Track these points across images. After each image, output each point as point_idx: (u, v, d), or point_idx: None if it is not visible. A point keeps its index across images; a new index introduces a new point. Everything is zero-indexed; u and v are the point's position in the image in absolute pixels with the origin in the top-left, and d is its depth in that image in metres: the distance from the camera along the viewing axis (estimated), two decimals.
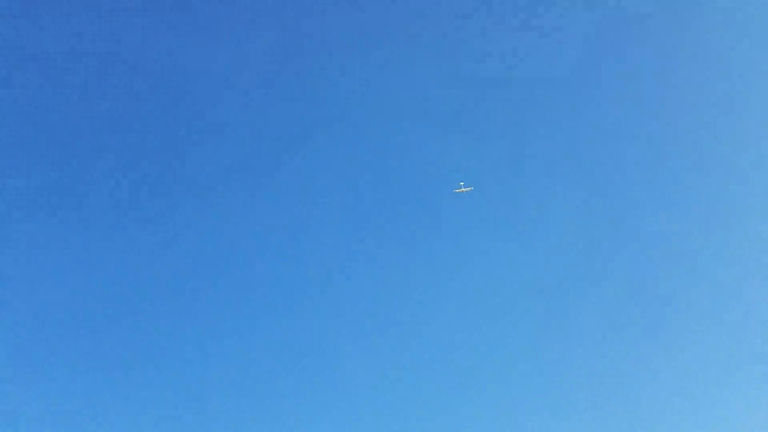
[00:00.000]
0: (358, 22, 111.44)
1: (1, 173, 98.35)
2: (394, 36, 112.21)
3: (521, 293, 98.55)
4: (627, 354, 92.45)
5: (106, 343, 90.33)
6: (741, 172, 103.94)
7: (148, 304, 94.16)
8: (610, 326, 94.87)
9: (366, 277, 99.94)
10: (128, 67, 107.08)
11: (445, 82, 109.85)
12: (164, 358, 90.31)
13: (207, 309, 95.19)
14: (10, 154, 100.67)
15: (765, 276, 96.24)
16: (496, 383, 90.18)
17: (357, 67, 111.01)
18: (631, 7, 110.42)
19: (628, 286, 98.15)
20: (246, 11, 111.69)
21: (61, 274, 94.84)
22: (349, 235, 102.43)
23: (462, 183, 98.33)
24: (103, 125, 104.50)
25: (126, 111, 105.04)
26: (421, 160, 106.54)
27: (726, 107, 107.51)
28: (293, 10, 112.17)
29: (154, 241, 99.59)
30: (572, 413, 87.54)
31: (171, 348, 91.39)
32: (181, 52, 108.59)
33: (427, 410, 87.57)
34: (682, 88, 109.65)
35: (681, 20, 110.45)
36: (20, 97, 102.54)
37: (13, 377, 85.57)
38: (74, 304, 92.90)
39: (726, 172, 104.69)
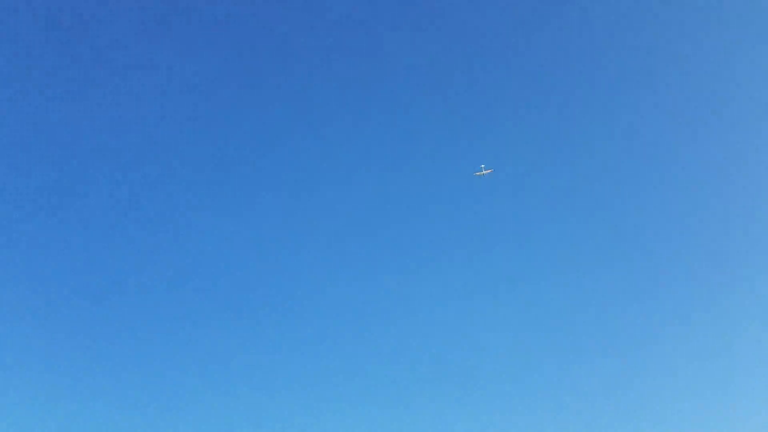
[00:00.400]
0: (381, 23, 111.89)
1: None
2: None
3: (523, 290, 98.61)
4: (626, 353, 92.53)
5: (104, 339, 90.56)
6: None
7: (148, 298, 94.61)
8: (611, 325, 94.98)
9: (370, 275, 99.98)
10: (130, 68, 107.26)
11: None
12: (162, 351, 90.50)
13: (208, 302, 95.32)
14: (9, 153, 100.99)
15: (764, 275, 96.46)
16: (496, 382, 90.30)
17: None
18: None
19: (630, 284, 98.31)
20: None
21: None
22: (351, 234, 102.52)
23: (483, 165, 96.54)
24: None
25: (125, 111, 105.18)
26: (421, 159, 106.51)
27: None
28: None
29: (155, 239, 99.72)
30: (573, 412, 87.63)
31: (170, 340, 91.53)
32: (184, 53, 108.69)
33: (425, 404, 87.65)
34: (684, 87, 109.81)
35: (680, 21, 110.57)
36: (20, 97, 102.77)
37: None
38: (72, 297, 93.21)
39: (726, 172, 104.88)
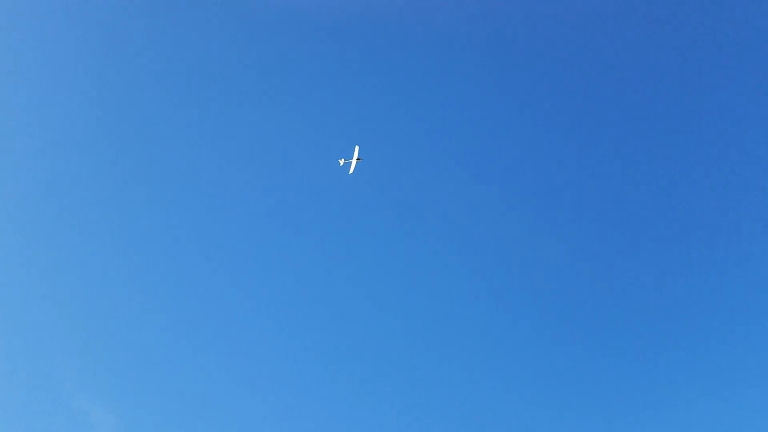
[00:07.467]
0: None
1: None
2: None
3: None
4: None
5: None
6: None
7: None
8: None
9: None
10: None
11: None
12: None
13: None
14: None
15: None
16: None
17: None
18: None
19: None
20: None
21: None
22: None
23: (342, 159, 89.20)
24: None
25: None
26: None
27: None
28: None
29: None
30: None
31: None
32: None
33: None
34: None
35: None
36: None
37: None
38: None
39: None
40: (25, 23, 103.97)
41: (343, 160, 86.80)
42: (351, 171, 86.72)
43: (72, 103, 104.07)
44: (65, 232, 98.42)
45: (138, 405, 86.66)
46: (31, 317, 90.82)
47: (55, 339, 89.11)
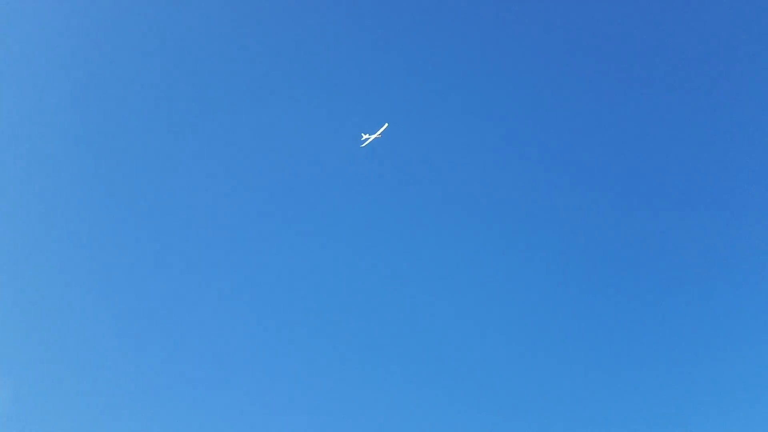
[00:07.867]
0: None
1: None
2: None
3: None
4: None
5: None
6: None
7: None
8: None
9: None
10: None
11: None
12: None
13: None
14: None
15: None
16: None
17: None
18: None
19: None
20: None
21: None
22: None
23: (366, 134, 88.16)
24: None
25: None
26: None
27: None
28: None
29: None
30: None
31: None
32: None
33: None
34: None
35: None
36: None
37: None
38: None
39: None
40: (24, 23, 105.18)
41: (366, 134, 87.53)
42: (364, 145, 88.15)
43: (71, 103, 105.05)
44: None
45: (36, 383, 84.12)
46: None
47: None
